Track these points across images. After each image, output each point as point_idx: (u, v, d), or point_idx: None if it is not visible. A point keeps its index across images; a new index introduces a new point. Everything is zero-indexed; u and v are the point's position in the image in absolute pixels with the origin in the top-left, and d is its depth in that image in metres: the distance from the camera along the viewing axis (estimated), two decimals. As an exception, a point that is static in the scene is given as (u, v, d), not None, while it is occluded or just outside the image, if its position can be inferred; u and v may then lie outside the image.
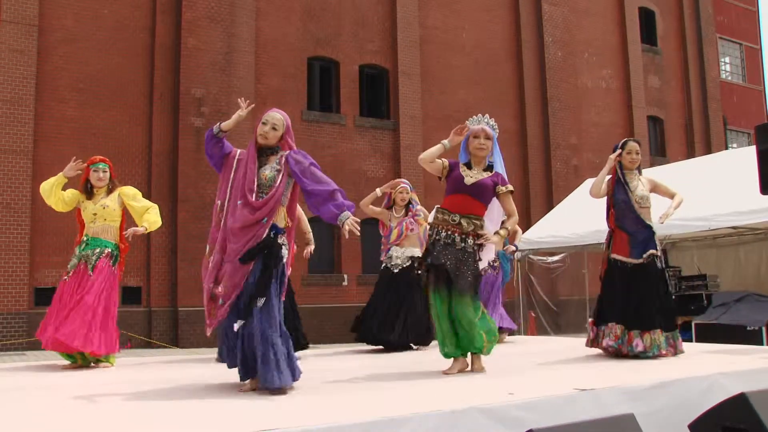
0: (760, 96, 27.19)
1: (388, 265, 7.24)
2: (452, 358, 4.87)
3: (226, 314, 4.09)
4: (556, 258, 15.30)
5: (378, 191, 7.13)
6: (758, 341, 9.25)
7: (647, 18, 23.74)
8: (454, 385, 4.24)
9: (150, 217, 6.05)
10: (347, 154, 16.87)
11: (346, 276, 16.72)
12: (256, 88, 16.22)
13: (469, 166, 4.97)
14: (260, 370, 3.90)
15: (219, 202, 4.27)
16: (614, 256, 5.81)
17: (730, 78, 26.68)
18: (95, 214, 5.92)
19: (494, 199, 4.96)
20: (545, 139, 19.88)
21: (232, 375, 4.22)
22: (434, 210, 4.99)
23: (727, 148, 22.87)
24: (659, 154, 22.63)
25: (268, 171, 4.23)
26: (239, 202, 4.14)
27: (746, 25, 27.45)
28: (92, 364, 5.69)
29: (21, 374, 5.45)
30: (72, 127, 14.40)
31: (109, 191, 6.04)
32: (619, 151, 5.92)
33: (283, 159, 4.28)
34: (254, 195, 4.14)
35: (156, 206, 6.21)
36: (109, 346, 5.66)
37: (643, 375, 4.34)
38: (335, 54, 17.50)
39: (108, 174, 6.04)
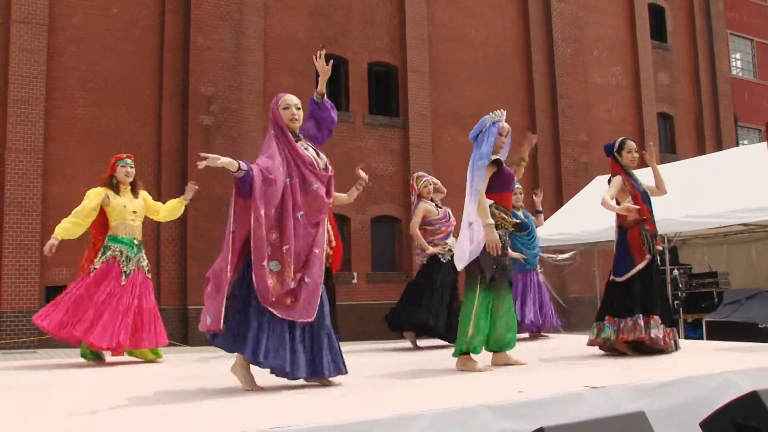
0: (771, 92, 27.02)
1: (446, 257, 7.06)
2: (493, 353, 5.05)
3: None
4: (566, 255, 15.24)
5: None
6: (770, 339, 9.20)
7: (657, 14, 23.63)
8: (463, 383, 4.23)
9: (175, 202, 6.54)
10: (356, 151, 16.86)
11: (355, 274, 16.72)
12: (265, 86, 16.25)
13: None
14: (331, 362, 4.03)
15: (267, 211, 3.98)
16: (659, 247, 5.86)
17: (740, 74, 26.51)
18: (135, 212, 6.09)
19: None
20: (555, 137, 19.81)
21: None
22: (492, 206, 4.94)
23: (738, 145, 22.76)
24: (669, 151, 22.52)
25: (313, 153, 4.25)
26: (314, 186, 4.10)
27: (757, 21, 27.26)
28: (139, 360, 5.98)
29: (45, 371, 5.47)
30: (82, 126, 14.46)
31: (134, 190, 6.18)
32: (636, 208, 5.70)
33: (308, 141, 4.33)
34: (321, 173, 4.18)
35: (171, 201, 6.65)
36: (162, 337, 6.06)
37: (654, 372, 4.32)
38: (344, 52, 17.50)
39: (134, 170, 6.18)
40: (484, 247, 4.82)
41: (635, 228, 5.75)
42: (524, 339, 7.69)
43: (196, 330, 14.65)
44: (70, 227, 5.92)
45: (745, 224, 10.89)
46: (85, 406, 3.53)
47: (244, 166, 3.92)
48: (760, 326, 9.65)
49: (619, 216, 5.86)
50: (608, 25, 22.07)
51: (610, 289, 5.85)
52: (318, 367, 4.03)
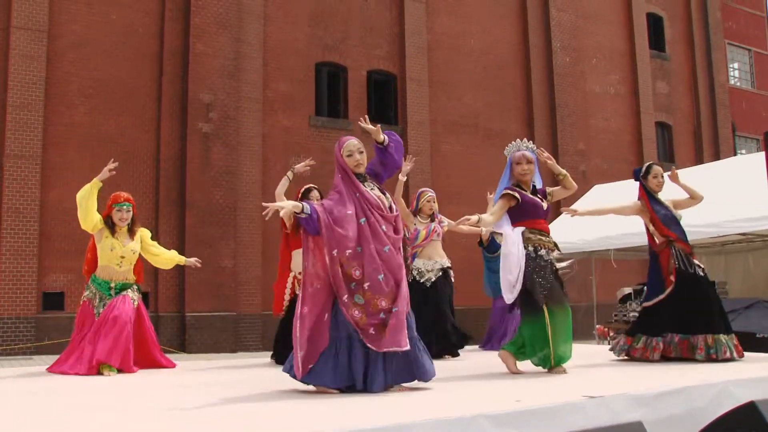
0: (769, 102, 27.10)
1: (419, 280, 7.01)
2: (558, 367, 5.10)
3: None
4: (564, 264, 15.24)
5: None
6: (767, 349, 9.19)
7: (655, 23, 23.71)
8: (461, 392, 4.23)
9: (175, 256, 6.46)
10: (355, 159, 16.85)
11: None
12: (264, 93, 16.27)
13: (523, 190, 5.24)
14: (422, 367, 4.23)
15: (341, 249, 4.15)
16: (696, 261, 5.96)
17: (738, 84, 26.60)
18: (123, 257, 5.95)
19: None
20: (553, 145, 19.82)
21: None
22: (525, 231, 5.13)
23: (735, 154, 22.80)
24: (667, 160, 22.55)
25: (378, 193, 4.43)
26: (383, 227, 4.28)
27: (755, 31, 27.36)
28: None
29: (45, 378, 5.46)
30: (80, 133, 14.46)
31: (132, 232, 6.07)
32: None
33: (373, 180, 4.52)
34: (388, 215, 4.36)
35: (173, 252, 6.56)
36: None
37: (652, 382, 4.32)
38: (343, 60, 17.53)
39: (131, 214, 6.02)
40: (528, 272, 4.99)
41: (666, 250, 5.91)
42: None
43: (193, 337, 14.64)
44: (85, 189, 5.89)
45: (742, 234, 10.91)
46: (107, 414, 3.52)
47: (308, 209, 4.14)
48: (757, 336, 9.64)
49: (650, 241, 6.07)
50: (607, 34, 22.14)
51: (644, 313, 6.03)
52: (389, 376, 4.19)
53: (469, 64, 19.28)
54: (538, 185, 5.34)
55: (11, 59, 13.87)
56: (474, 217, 4.95)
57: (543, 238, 5.17)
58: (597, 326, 13.33)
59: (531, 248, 5.09)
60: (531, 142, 5.43)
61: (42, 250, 13.72)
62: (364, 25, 17.94)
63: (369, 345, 4.08)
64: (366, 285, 4.12)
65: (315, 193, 6.45)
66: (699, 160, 22.09)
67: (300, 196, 6.46)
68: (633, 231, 11.21)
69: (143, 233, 6.18)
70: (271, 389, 4.41)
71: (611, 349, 6.19)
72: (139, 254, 6.18)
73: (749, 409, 3.38)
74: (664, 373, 4.96)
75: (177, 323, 14.79)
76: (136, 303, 6.01)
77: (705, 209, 10.15)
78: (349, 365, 4.09)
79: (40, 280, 13.70)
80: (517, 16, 20.46)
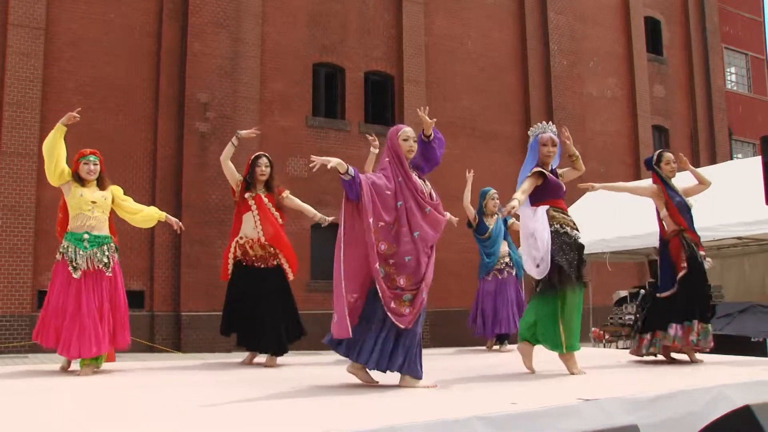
0: (765, 106, 27.15)
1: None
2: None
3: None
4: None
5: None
6: (762, 352, 9.20)
7: (653, 27, 23.75)
8: (456, 394, 4.23)
9: (155, 212, 6.01)
10: (352, 160, 16.62)
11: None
12: (262, 93, 16.25)
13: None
14: (413, 364, 4.38)
15: (377, 221, 4.36)
16: (702, 252, 6.08)
17: (735, 88, 26.65)
18: (94, 203, 5.57)
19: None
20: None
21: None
22: (549, 209, 5.23)
23: (732, 159, 22.83)
24: (664, 163, 22.56)
25: (421, 182, 4.62)
26: (428, 209, 4.50)
27: (752, 35, 27.43)
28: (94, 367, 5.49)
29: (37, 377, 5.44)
30: (77, 131, 14.20)
31: (102, 186, 5.70)
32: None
33: (415, 170, 4.68)
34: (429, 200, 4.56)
35: (153, 208, 6.13)
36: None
37: (648, 385, 4.33)
38: (341, 60, 17.53)
39: (98, 167, 5.68)
40: (554, 249, 5.08)
41: (675, 239, 6.02)
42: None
43: (189, 336, 14.62)
44: (50, 136, 5.63)
45: (738, 238, 10.92)
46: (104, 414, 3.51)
47: (351, 171, 4.32)
48: (752, 340, 9.66)
49: (660, 229, 6.18)
50: (604, 37, 22.17)
51: (655, 305, 6.08)
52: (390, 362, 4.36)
53: (467, 65, 19.29)
54: (553, 165, 5.48)
55: (8, 57, 13.84)
56: (515, 203, 4.99)
57: (566, 216, 5.30)
58: (593, 329, 13.34)
59: (557, 225, 5.18)
60: (552, 124, 5.55)
61: (37, 248, 13.68)
62: (361, 26, 17.93)
63: (394, 320, 4.28)
64: (391, 261, 4.35)
65: (263, 160, 6.40)
66: (695, 164, 22.00)
67: (250, 162, 6.38)
68: (628, 234, 11.25)
69: (115, 189, 5.81)
70: (269, 389, 4.40)
71: (633, 353, 6.25)
72: (112, 213, 5.79)
73: (745, 412, 3.38)
74: (659, 377, 4.97)
75: (172, 322, 14.77)
76: (109, 270, 5.54)
77: (701, 213, 10.17)
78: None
79: (35, 278, 13.67)
80: (515, 19, 20.47)
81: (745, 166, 11.11)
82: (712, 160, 22.17)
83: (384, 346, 4.32)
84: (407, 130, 4.67)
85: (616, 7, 22.66)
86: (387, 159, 4.61)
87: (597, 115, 21.44)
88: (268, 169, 6.34)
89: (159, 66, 15.37)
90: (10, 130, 13.67)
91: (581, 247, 5.28)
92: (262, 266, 6.19)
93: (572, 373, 5.11)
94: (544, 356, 6.42)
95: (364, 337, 4.33)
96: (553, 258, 5.06)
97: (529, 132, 5.55)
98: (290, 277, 6.30)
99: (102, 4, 14.98)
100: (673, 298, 5.93)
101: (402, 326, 4.30)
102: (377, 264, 4.30)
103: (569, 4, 21.31)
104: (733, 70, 26.81)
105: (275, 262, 6.22)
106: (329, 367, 6.27)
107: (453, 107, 18.68)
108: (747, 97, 26.78)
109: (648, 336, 6.06)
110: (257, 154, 6.53)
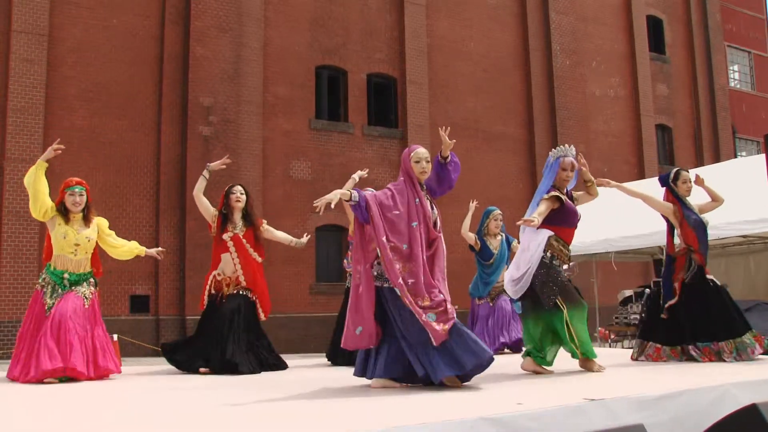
0: (769, 104, 27.10)
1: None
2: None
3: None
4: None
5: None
6: (768, 351, 9.17)
7: (655, 26, 23.72)
8: (463, 395, 4.22)
9: (135, 247, 6.04)
10: (355, 162, 16.85)
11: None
12: (264, 97, 16.28)
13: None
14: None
15: (392, 242, 4.37)
16: (709, 276, 5.99)
17: (738, 86, 26.60)
18: (78, 245, 5.55)
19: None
20: (553, 148, 19.79)
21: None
22: (551, 237, 5.22)
23: (736, 157, 22.78)
24: (667, 162, 22.55)
25: (430, 206, 4.61)
26: (424, 237, 4.48)
27: (755, 33, 27.38)
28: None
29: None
30: (81, 136, 14.46)
31: (87, 219, 5.67)
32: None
33: (427, 193, 4.68)
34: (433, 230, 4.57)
35: (134, 242, 6.14)
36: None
37: (653, 385, 4.31)
38: (343, 63, 17.54)
39: (84, 198, 5.64)
40: (540, 274, 5.08)
41: (683, 258, 5.95)
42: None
43: (194, 340, 14.62)
44: (30, 172, 5.49)
45: (743, 236, 10.89)
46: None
47: (356, 196, 4.34)
48: (758, 338, 9.61)
49: (668, 244, 6.13)
50: (607, 37, 22.15)
51: (656, 313, 6.06)
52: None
53: (469, 67, 19.29)
54: (568, 188, 5.46)
55: (12, 63, 13.88)
56: (535, 221, 5.00)
57: (564, 249, 5.28)
58: (598, 329, 13.32)
59: (549, 254, 5.17)
60: (572, 147, 5.53)
61: (42, 253, 13.68)
62: (363, 29, 17.95)
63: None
64: (410, 281, 4.32)
65: (237, 188, 6.43)
66: (699, 162, 22.08)
67: (224, 194, 6.47)
68: (633, 234, 11.22)
69: (100, 222, 5.79)
70: (271, 392, 4.40)
71: (638, 356, 6.18)
72: (97, 244, 5.78)
73: (751, 411, 3.36)
74: (665, 376, 4.95)
75: (177, 326, 14.77)
76: (88, 301, 5.56)
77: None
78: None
79: (40, 283, 13.68)
80: (517, 20, 20.47)
81: (749, 164, 11.07)
82: (716, 159, 22.12)
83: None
84: (420, 152, 4.67)
85: (618, 6, 22.64)
86: (402, 178, 4.62)
87: (600, 115, 21.41)
88: (244, 197, 6.35)
89: (162, 70, 15.40)
90: (14, 135, 13.71)
91: (562, 283, 5.20)
92: (235, 292, 6.22)
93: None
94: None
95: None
96: (534, 283, 5.10)
97: (550, 153, 5.49)
98: (262, 317, 6.29)
99: (104, 9, 15.02)
100: (676, 318, 5.89)
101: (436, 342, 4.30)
102: (399, 279, 4.29)
103: (571, 3, 21.30)
104: (736, 68, 26.76)
105: (252, 297, 6.25)
106: (332, 369, 6.28)
107: (455, 108, 18.68)
108: (750, 95, 26.73)
109: (640, 341, 6.12)
110: (230, 184, 6.59)
